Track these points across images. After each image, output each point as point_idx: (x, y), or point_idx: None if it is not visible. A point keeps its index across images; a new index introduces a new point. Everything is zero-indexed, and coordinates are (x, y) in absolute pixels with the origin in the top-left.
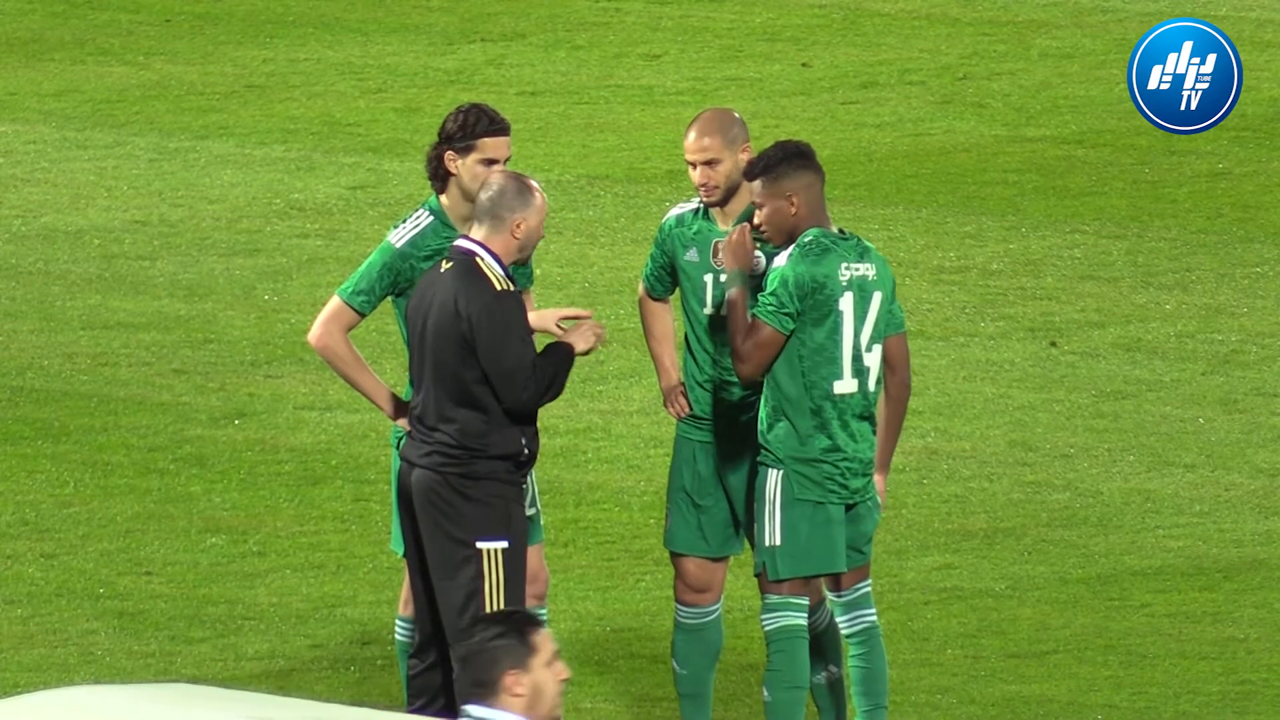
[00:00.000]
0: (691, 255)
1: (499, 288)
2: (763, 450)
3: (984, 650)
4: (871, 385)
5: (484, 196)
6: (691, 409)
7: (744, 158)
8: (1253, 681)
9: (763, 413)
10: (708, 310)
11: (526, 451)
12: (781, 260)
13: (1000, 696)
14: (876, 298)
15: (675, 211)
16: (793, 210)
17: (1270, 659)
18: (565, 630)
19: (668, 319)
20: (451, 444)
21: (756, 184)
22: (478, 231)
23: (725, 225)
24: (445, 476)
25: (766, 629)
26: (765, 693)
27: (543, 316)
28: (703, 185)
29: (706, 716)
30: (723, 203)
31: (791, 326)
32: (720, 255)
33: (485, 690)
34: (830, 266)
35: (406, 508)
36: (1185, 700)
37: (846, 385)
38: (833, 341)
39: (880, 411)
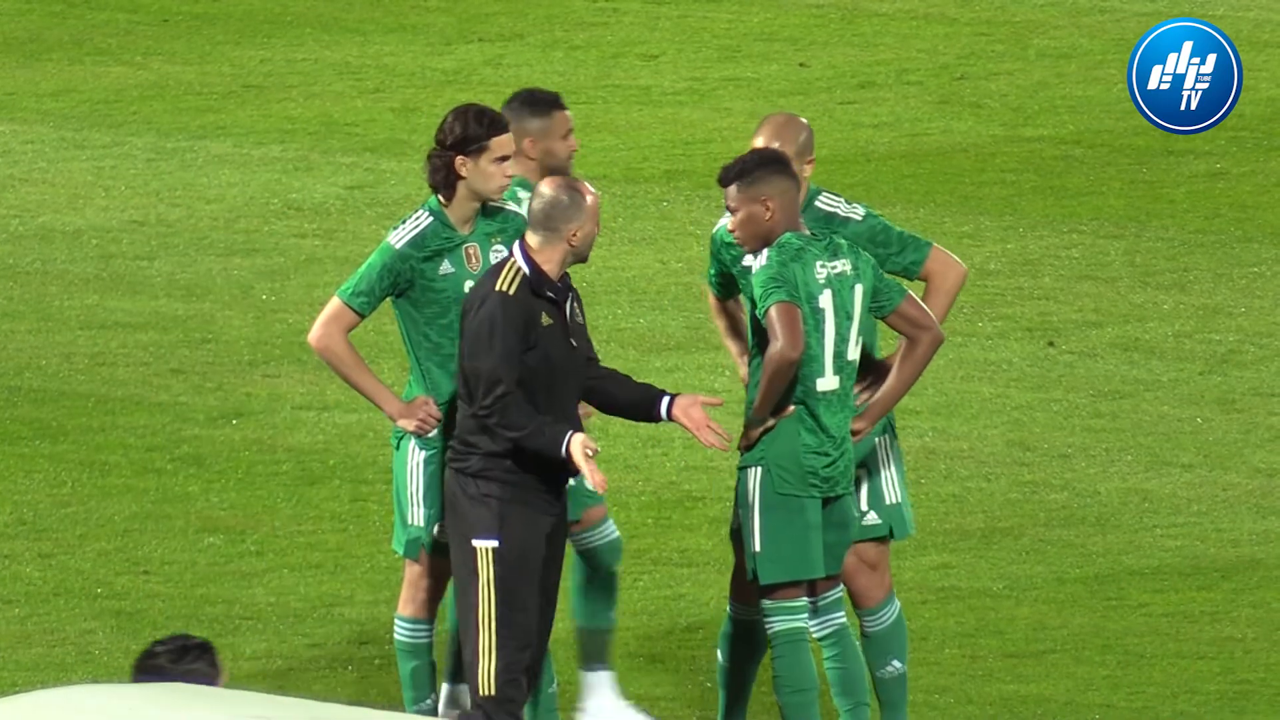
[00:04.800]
0: (749, 261)
1: (500, 287)
2: (741, 454)
3: (981, 650)
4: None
5: (536, 206)
6: None
7: (808, 169)
8: (1250, 681)
9: (746, 411)
10: None
11: (514, 449)
12: (760, 261)
13: (998, 696)
14: (857, 291)
15: (726, 221)
16: (768, 215)
17: (1268, 658)
18: (562, 631)
19: (737, 316)
20: (457, 440)
21: (731, 189)
22: (531, 239)
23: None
24: (454, 472)
25: (768, 634)
26: (777, 697)
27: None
28: None
29: (742, 713)
30: None
31: (799, 300)
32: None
33: None
34: (807, 265)
35: None
36: (1183, 700)
37: (829, 382)
38: (814, 340)
39: (897, 362)
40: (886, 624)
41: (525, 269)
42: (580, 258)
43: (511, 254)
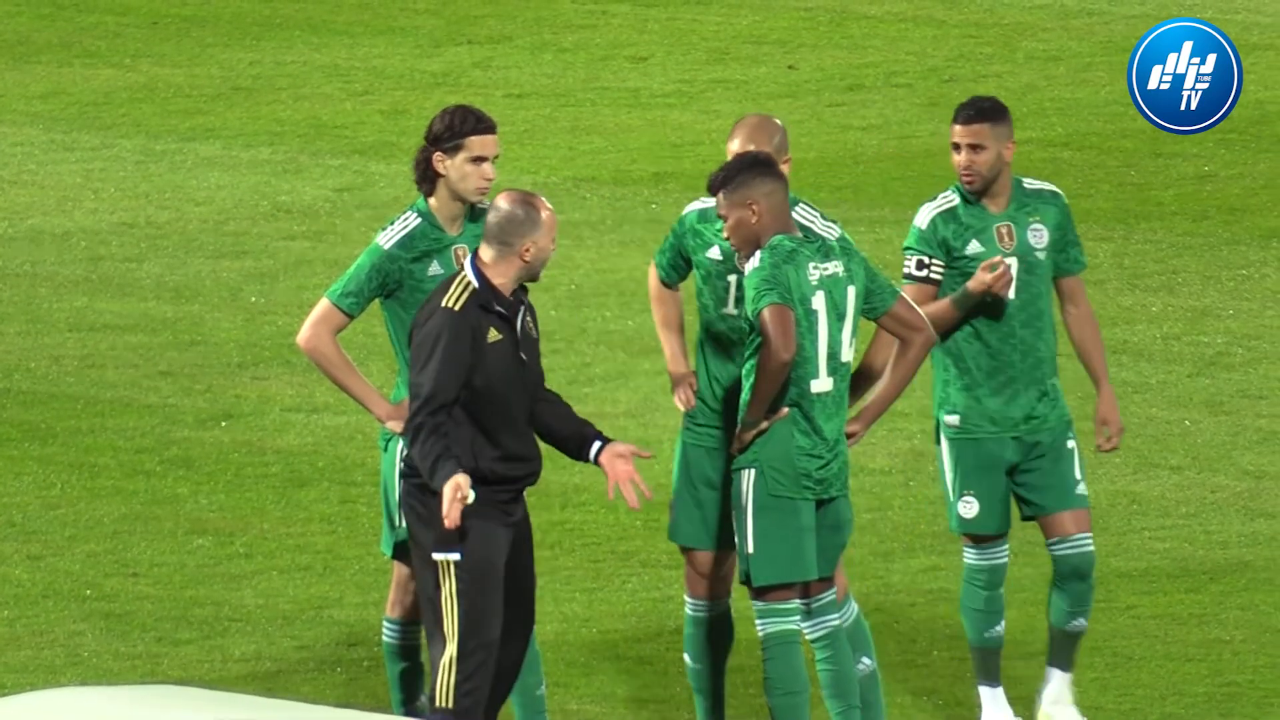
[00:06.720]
0: (714, 253)
1: (447, 304)
2: (735, 457)
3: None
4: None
5: (491, 219)
6: (694, 406)
7: (785, 169)
8: (1238, 683)
9: (741, 414)
10: (727, 310)
11: (466, 470)
12: (753, 263)
13: None
14: (850, 292)
15: (698, 206)
16: (754, 219)
17: (1255, 660)
18: (551, 632)
19: (679, 308)
20: (410, 456)
21: (719, 196)
22: (485, 253)
23: None
24: (409, 486)
25: (759, 635)
26: (767, 699)
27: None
28: None
29: (720, 713)
30: None
31: (791, 302)
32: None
33: None
34: (799, 267)
35: None
36: (1171, 702)
37: (823, 384)
38: (808, 341)
39: (891, 364)
40: (847, 622)
41: (475, 283)
42: (532, 275)
43: (463, 267)
